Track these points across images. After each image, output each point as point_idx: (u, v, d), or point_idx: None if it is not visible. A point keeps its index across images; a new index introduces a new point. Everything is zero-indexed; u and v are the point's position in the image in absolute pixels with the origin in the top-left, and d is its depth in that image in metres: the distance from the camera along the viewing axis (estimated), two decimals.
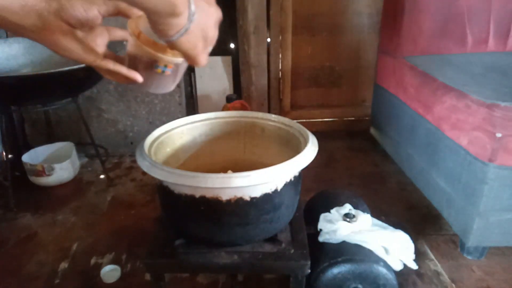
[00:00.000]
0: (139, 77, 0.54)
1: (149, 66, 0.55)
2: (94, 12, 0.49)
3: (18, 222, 1.33)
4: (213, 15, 0.49)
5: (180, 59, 0.55)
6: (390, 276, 0.84)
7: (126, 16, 0.53)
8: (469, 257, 1.13)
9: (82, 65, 1.14)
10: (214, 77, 1.96)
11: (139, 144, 0.83)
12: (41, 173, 1.47)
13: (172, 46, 0.47)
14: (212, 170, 0.76)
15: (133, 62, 0.55)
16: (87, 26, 0.49)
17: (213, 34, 0.50)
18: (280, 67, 1.96)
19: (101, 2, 0.50)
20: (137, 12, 0.53)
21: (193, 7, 0.44)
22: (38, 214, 1.37)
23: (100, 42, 0.52)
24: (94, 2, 0.49)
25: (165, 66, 0.55)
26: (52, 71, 1.16)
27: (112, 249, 1.18)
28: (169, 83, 0.60)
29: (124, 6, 0.52)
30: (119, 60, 0.54)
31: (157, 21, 0.43)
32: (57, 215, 1.37)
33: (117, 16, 0.53)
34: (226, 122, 1.00)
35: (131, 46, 0.55)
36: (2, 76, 1.23)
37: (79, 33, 0.49)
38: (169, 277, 1.05)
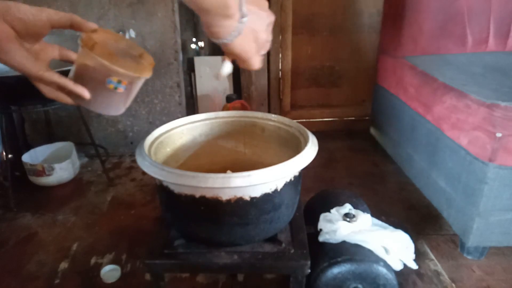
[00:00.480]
0: (86, 93, 0.51)
1: (99, 82, 0.51)
2: (42, 19, 0.46)
3: (18, 222, 1.33)
4: (264, 19, 0.49)
5: (136, 74, 0.52)
6: (390, 276, 0.84)
7: (79, 29, 0.51)
8: (469, 257, 1.13)
9: None
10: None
11: (139, 144, 0.83)
12: (41, 173, 1.47)
13: (227, 49, 0.48)
14: (212, 170, 0.76)
15: (80, 79, 0.52)
16: (33, 34, 0.47)
17: (265, 37, 0.50)
18: (280, 67, 1.95)
19: (52, 11, 0.48)
20: (90, 27, 0.51)
21: (244, 9, 0.45)
22: (38, 214, 1.37)
23: (44, 57, 0.49)
24: (44, 10, 0.47)
25: (119, 82, 0.52)
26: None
27: (112, 249, 1.18)
28: (120, 103, 0.56)
29: (77, 19, 0.50)
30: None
31: (211, 22, 0.44)
32: (57, 215, 1.37)
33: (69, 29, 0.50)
34: (226, 122, 1.00)
35: (81, 60, 0.51)
36: (2, 76, 1.23)
37: (24, 43, 0.46)
38: (169, 277, 1.05)
